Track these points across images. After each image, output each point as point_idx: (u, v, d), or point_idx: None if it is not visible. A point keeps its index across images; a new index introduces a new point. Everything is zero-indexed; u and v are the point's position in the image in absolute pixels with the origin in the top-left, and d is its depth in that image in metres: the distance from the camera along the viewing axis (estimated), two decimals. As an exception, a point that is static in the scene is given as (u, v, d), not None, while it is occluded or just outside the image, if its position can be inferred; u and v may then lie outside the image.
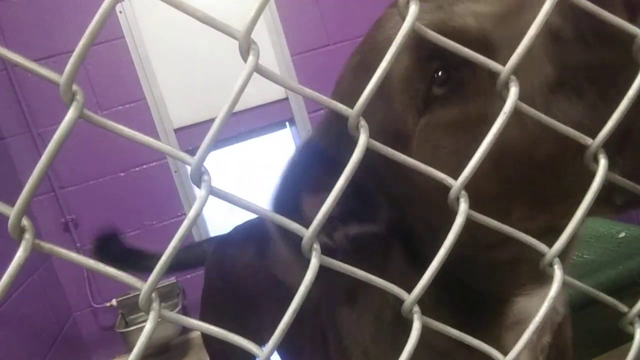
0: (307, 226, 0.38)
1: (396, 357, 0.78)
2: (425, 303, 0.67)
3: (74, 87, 0.33)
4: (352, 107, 0.38)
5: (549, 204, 0.54)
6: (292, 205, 0.62)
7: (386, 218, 0.70)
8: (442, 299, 0.69)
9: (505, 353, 0.73)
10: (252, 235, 1.63)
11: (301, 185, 0.64)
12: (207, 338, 1.78)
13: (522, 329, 0.74)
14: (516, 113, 0.39)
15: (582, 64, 0.46)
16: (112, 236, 1.87)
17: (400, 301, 0.80)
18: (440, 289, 0.67)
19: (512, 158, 0.51)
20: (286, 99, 3.22)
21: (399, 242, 0.73)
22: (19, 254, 0.33)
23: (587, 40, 0.45)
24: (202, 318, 1.75)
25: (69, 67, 0.33)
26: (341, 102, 0.39)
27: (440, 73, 0.54)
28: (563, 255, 0.69)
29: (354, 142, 0.39)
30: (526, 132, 0.50)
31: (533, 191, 0.54)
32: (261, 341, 1.52)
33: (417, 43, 0.54)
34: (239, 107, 3.05)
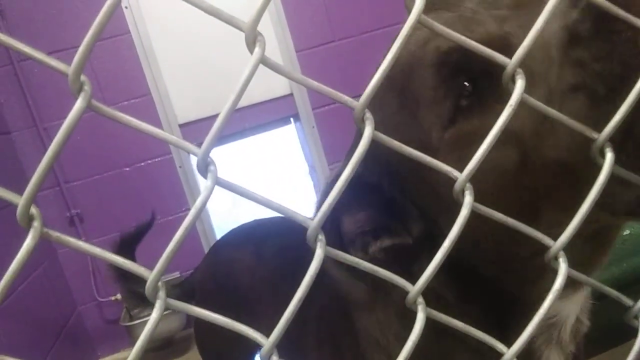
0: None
1: (422, 353, 0.79)
2: (448, 299, 0.67)
3: (82, 78, 0.34)
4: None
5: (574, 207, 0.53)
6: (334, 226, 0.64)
7: (416, 230, 0.70)
8: (470, 298, 0.70)
9: (537, 355, 0.74)
10: (249, 237, 1.60)
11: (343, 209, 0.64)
12: (201, 344, 1.74)
13: (553, 333, 0.74)
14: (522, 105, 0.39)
15: (599, 68, 0.45)
16: (135, 235, 1.93)
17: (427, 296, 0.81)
18: (467, 287, 0.70)
19: (532, 164, 0.52)
20: (291, 94, 3.22)
21: (427, 251, 0.73)
22: (28, 241, 0.34)
23: (604, 38, 0.44)
24: (197, 324, 1.73)
25: (77, 57, 0.33)
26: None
27: (467, 84, 0.55)
28: (595, 258, 0.70)
29: (360, 135, 0.39)
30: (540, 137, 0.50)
31: (557, 196, 0.53)
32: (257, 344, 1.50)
33: (440, 61, 0.55)
34: (243, 102, 3.07)
